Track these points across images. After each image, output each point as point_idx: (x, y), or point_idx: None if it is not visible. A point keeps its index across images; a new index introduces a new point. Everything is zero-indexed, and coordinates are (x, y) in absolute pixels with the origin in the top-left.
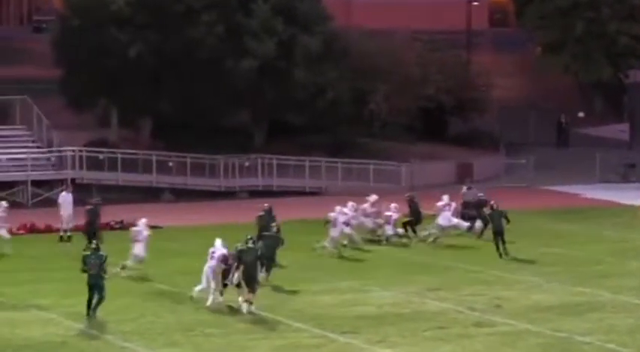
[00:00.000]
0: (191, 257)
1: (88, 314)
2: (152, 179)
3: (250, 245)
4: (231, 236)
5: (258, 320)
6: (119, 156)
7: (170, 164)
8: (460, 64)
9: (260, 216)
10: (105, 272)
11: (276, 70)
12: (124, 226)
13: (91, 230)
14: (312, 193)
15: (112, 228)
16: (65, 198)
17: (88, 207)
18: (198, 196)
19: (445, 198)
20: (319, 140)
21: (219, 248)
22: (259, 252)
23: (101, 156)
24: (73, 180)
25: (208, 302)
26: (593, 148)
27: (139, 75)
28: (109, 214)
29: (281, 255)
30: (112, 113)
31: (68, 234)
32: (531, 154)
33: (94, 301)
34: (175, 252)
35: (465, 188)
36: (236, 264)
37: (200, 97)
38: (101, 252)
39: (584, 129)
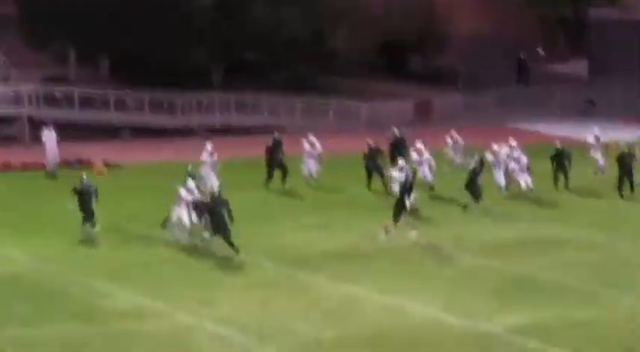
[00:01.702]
0: (152, 193)
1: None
2: (110, 117)
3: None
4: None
5: (222, 258)
6: (77, 93)
7: (128, 101)
8: (421, 0)
9: (269, 147)
10: None
11: (233, 6)
12: (82, 164)
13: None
14: (271, 131)
15: (69, 166)
16: (48, 135)
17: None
18: (157, 134)
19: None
20: (278, 78)
21: (189, 190)
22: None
23: (58, 94)
24: (30, 117)
25: (177, 238)
26: (554, 85)
27: (97, 12)
28: (67, 152)
29: (244, 195)
30: (70, 50)
31: (55, 171)
32: (492, 91)
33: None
34: (135, 189)
35: (395, 130)
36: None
37: (157, 35)
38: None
39: (544, 66)
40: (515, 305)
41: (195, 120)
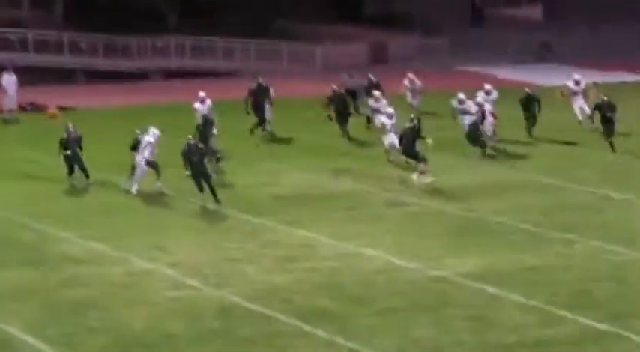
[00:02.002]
0: (107, 137)
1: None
2: (64, 60)
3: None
4: (146, 118)
5: (173, 203)
6: (30, 36)
7: (83, 45)
8: None
9: (251, 90)
10: None
11: None
12: (36, 108)
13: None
14: (226, 74)
15: (24, 110)
16: (9, 79)
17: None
18: (112, 77)
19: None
20: (233, 21)
21: (151, 137)
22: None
23: (12, 37)
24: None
25: (134, 189)
26: (508, 28)
27: None
28: (21, 96)
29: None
30: None
31: (15, 115)
32: (446, 34)
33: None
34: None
35: (346, 75)
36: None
37: None
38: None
39: (499, 9)
40: (468, 250)
41: (149, 63)
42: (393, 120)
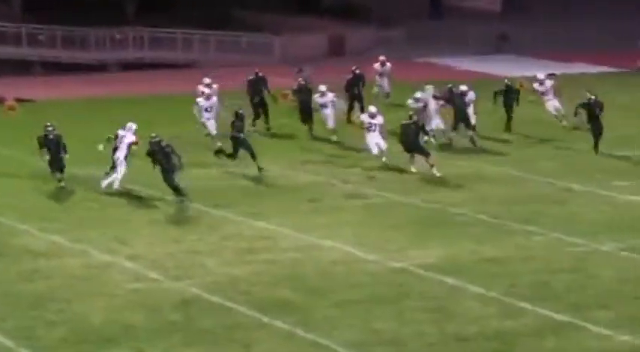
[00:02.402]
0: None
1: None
2: (23, 52)
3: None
4: (105, 110)
5: (135, 196)
6: None
7: (41, 37)
8: None
9: (250, 80)
10: None
11: None
12: None
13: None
14: (185, 66)
15: None
16: None
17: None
18: (70, 69)
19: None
20: (192, 12)
21: (129, 133)
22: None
23: None
24: None
25: (104, 184)
26: (467, 19)
27: None
28: None
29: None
30: None
31: None
32: (405, 26)
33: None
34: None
35: (295, 70)
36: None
37: None
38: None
39: (457, 0)
40: (428, 242)
41: (108, 55)
42: (377, 121)
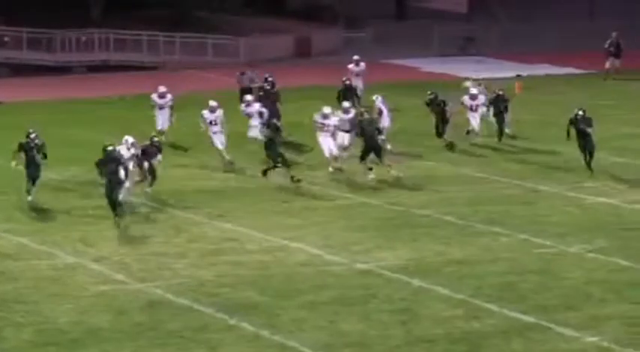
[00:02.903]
0: None
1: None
2: None
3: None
4: (68, 110)
5: (99, 197)
6: None
7: (6, 39)
8: None
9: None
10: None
11: None
12: None
13: None
14: (150, 68)
15: None
16: None
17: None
18: (35, 71)
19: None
20: (158, 14)
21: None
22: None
23: None
24: None
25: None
26: (432, 21)
27: None
28: None
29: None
30: None
31: None
32: (371, 27)
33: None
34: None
35: (238, 73)
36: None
37: None
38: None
39: (423, 1)
40: (395, 243)
41: (73, 57)
42: (331, 121)
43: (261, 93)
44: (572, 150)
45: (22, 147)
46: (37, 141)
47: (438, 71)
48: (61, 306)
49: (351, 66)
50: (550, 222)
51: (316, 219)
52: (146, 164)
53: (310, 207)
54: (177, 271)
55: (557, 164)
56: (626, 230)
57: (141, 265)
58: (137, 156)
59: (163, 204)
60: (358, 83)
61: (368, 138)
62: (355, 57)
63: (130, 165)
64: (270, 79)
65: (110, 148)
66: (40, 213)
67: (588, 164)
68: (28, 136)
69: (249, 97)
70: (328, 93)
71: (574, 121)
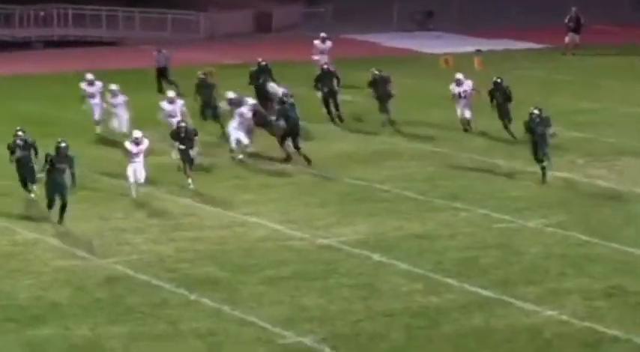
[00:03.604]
0: None
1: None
2: None
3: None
4: (27, 86)
5: None
6: None
7: None
8: None
9: (198, 84)
10: None
11: None
12: None
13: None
14: (109, 43)
15: None
16: None
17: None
18: None
19: None
20: None
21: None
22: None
23: None
24: None
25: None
26: None
27: None
28: None
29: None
30: None
31: None
32: (330, 2)
33: None
34: None
35: (155, 52)
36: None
37: None
38: None
39: None
40: (355, 218)
41: (32, 32)
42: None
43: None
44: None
45: (11, 148)
46: (26, 141)
47: (398, 46)
48: (21, 282)
49: (317, 42)
50: (509, 197)
51: (275, 194)
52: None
53: (268, 183)
54: (136, 246)
55: (518, 139)
56: (585, 205)
57: (101, 241)
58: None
59: (123, 179)
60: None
61: (291, 124)
62: (322, 34)
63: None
64: (325, 66)
65: (63, 144)
66: None
67: (543, 171)
68: (16, 136)
69: (114, 87)
70: (291, 69)
71: (528, 122)
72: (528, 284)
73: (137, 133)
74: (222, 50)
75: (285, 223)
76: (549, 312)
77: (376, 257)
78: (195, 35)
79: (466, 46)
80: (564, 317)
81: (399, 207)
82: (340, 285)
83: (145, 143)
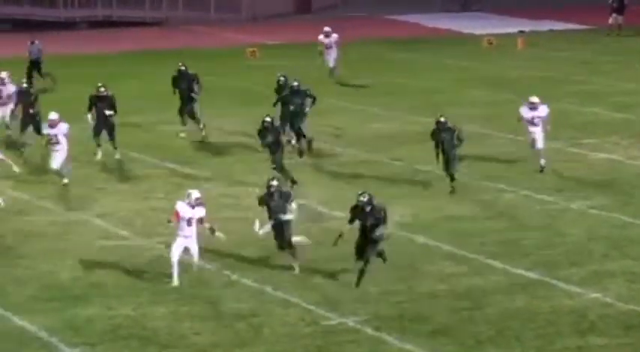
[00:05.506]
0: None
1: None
2: None
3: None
4: (73, 66)
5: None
6: None
7: None
8: None
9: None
10: None
11: None
12: None
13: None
14: (153, 24)
15: None
16: None
17: None
18: (38, 27)
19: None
20: None
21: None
22: None
23: None
24: None
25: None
26: None
27: None
28: None
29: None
30: None
31: None
32: None
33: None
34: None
35: (28, 42)
36: None
37: None
38: None
39: None
40: (396, 200)
41: (76, 13)
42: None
43: None
44: (575, 107)
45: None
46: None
47: (440, 26)
48: (64, 262)
49: (320, 37)
50: (552, 179)
51: (318, 179)
52: None
53: (304, 162)
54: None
55: (559, 118)
56: (628, 186)
57: (143, 221)
58: None
59: (165, 160)
60: (329, 57)
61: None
62: (326, 28)
63: None
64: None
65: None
66: (40, 170)
67: (451, 177)
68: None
69: (4, 74)
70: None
71: (435, 131)
72: (572, 266)
73: (53, 115)
74: (263, 31)
75: (323, 204)
76: (593, 294)
77: (419, 238)
78: (237, 15)
79: (509, 27)
80: (608, 300)
81: (440, 189)
82: (382, 267)
83: (64, 127)
